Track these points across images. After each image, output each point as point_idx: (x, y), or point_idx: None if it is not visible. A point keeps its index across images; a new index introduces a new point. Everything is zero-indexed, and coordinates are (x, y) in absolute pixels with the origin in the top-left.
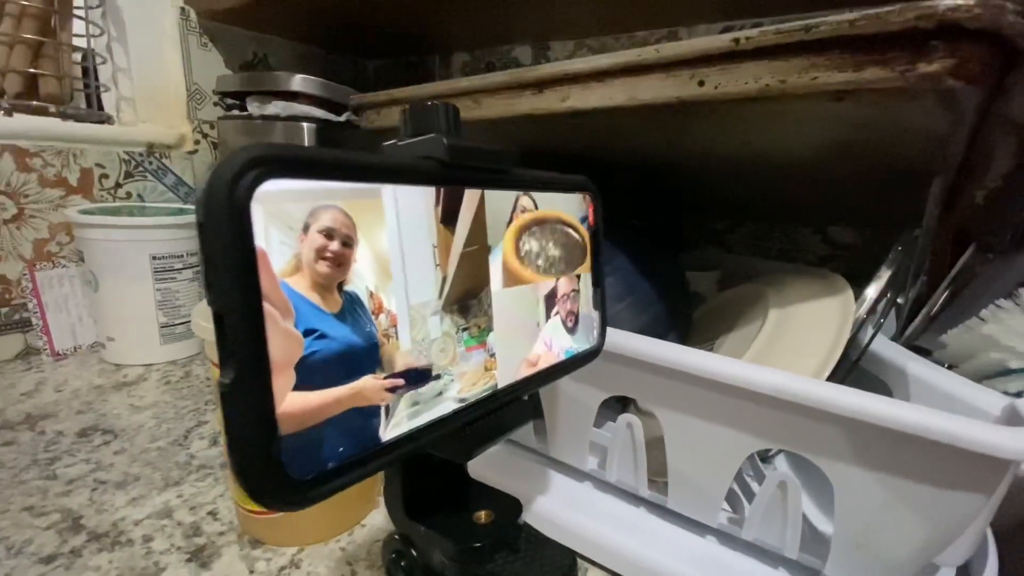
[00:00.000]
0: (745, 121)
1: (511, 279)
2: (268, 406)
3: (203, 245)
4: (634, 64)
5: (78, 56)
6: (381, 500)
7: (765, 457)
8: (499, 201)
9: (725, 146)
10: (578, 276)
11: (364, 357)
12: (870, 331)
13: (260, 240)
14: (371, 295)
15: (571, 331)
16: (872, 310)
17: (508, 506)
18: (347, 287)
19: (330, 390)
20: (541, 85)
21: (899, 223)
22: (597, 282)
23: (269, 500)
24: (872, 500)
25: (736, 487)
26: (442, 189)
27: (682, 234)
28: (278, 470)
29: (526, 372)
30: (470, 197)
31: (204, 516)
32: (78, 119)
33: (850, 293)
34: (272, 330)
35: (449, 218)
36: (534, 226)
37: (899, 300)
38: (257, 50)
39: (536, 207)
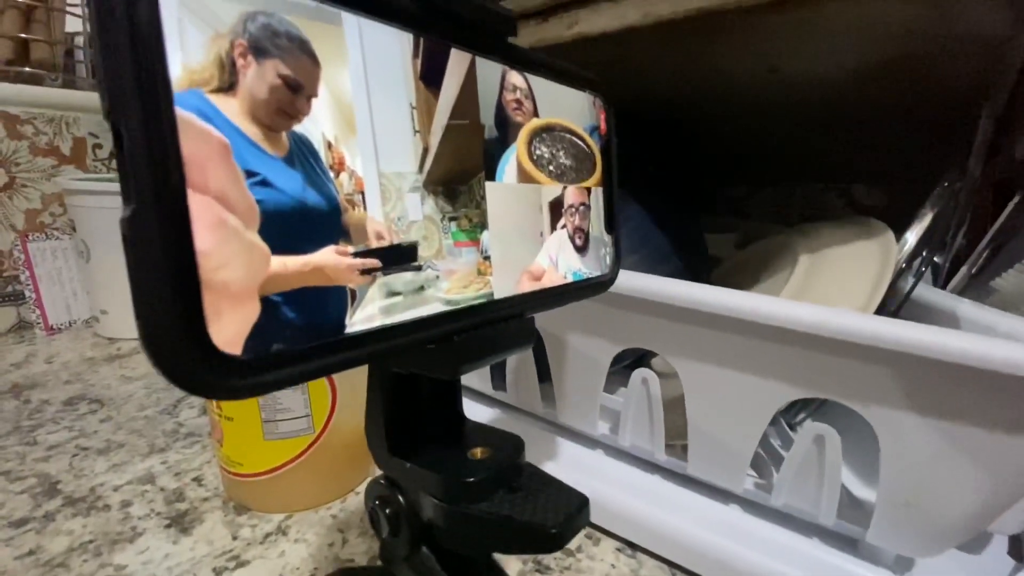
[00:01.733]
0: (772, 38)
1: (523, 178)
2: (186, 251)
3: (94, 32)
4: None
5: (78, 25)
6: (376, 470)
7: (792, 423)
8: (492, 74)
9: (748, 77)
10: (588, 190)
11: (322, 221)
12: (910, 280)
13: (170, 29)
14: (329, 146)
15: (580, 251)
16: (914, 256)
17: (508, 443)
18: (296, 128)
19: (278, 259)
20: (546, 12)
21: (933, 178)
22: (610, 201)
23: (185, 376)
24: (924, 450)
25: (762, 452)
26: (421, 39)
27: (697, 189)
28: (201, 338)
29: (528, 286)
30: (458, 59)
31: (188, 482)
32: (71, 86)
33: (891, 235)
34: (191, 146)
35: (431, 77)
36: (543, 132)
37: (936, 259)
38: None
39: (531, 91)
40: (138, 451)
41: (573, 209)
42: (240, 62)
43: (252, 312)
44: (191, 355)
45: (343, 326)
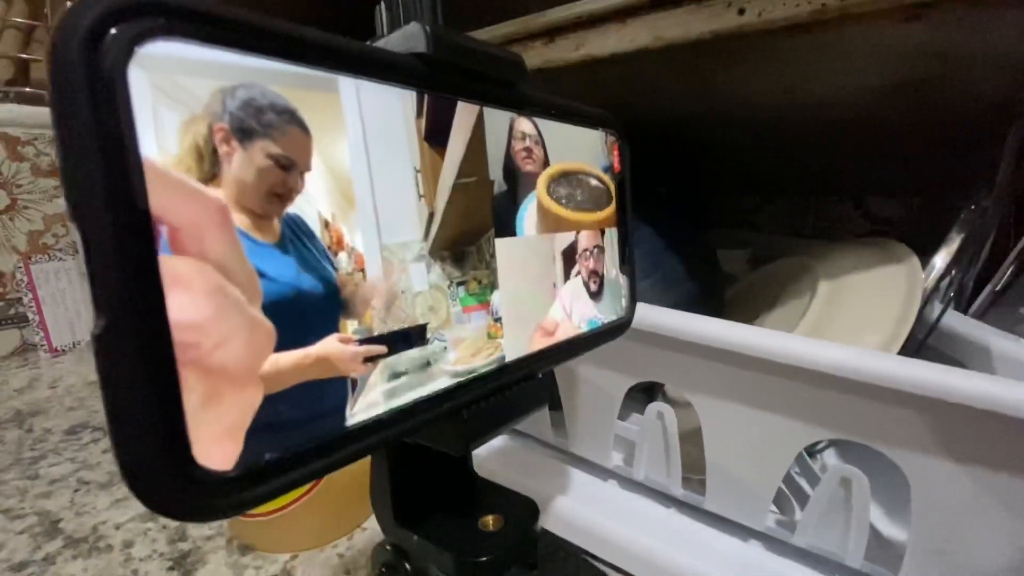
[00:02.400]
0: (789, 60)
1: (548, 222)
2: (167, 371)
3: (54, 124)
4: None
5: None
6: None
7: (812, 450)
8: (500, 124)
9: (762, 97)
10: (602, 231)
11: (320, 306)
12: (938, 306)
13: (143, 120)
14: (326, 225)
15: (595, 296)
16: (942, 280)
17: (521, 509)
18: (289, 210)
19: (272, 356)
20: (552, 32)
21: (955, 190)
22: (625, 240)
23: (167, 505)
24: (957, 497)
25: (783, 487)
26: (425, 96)
27: (708, 206)
28: (185, 462)
29: (541, 343)
30: (465, 112)
31: None
32: None
33: (916, 261)
34: (183, 209)
35: (436, 136)
36: (560, 177)
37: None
38: None
39: (540, 137)
40: None
41: (588, 253)
42: (223, 149)
43: (253, 401)
44: (175, 483)
45: (344, 418)
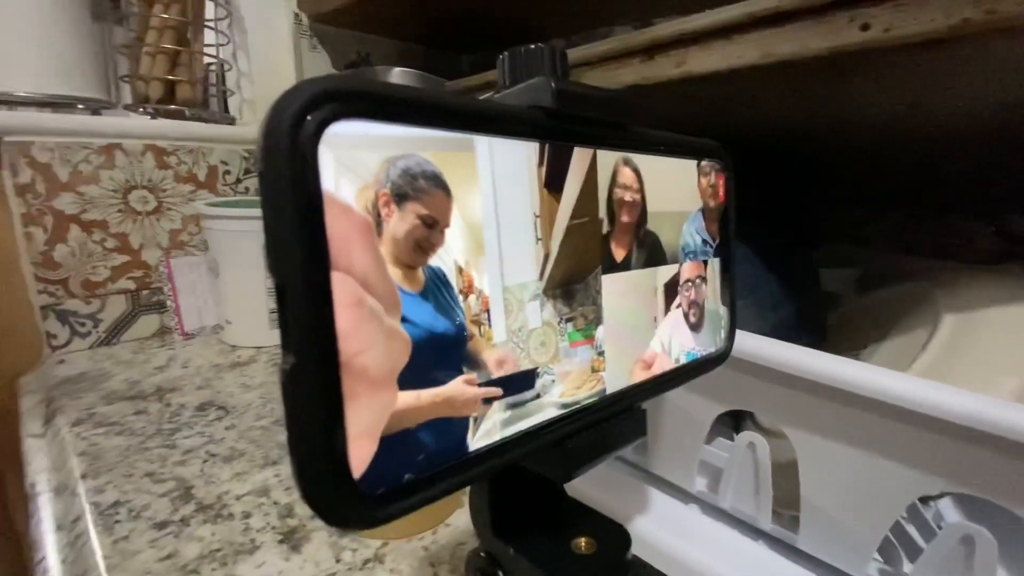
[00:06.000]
0: (919, 76)
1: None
2: (335, 401)
3: (263, 200)
4: (772, 11)
5: (208, 63)
6: (466, 499)
7: (926, 498)
8: (607, 164)
9: (882, 113)
10: (704, 263)
11: (450, 349)
12: None
13: (331, 191)
14: (460, 271)
15: (694, 328)
16: None
17: (614, 535)
18: (431, 261)
19: (411, 392)
20: (651, 50)
21: None
22: (727, 269)
23: (332, 515)
24: None
25: (889, 534)
26: (547, 145)
27: (810, 223)
28: (345, 481)
29: (640, 376)
30: (580, 157)
31: (298, 498)
32: (208, 121)
33: None
34: (348, 309)
35: (555, 182)
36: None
37: None
38: (360, 49)
39: (640, 179)
40: (256, 462)
41: (689, 284)
42: (384, 211)
43: (389, 405)
44: (339, 496)
45: (466, 446)
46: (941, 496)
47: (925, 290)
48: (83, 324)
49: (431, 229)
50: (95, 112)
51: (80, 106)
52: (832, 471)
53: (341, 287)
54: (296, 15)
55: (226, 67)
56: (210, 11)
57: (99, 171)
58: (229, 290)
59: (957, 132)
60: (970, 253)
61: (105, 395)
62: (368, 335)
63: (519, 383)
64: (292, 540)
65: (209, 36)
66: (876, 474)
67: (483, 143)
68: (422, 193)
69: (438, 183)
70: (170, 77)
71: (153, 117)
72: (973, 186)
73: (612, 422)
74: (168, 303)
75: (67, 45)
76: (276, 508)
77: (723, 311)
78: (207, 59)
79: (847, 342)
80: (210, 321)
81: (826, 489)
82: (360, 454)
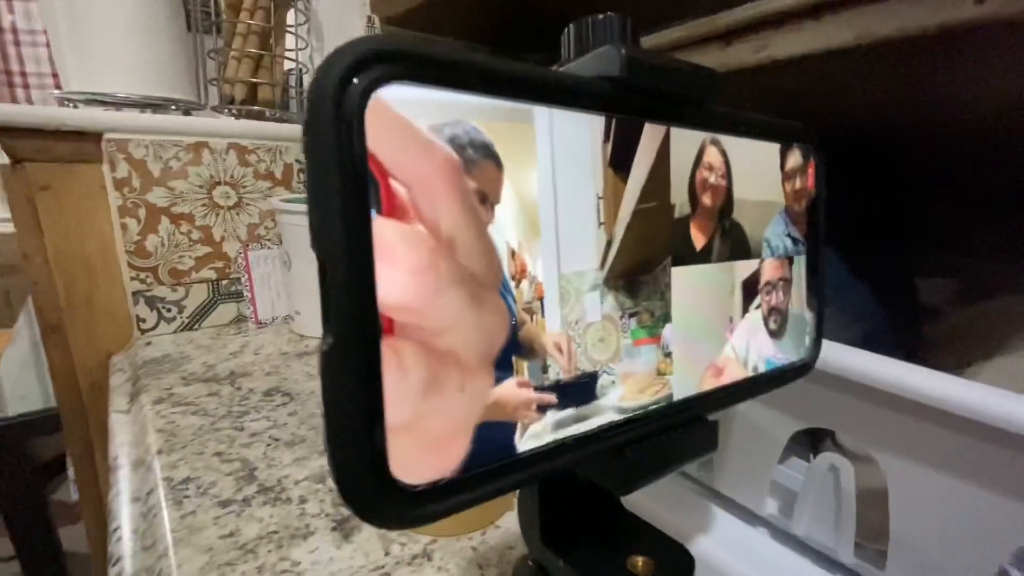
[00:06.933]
0: None
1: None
2: (376, 393)
3: (307, 171)
4: None
5: (288, 68)
6: (516, 502)
7: None
8: (686, 144)
9: (995, 102)
10: (790, 259)
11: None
12: None
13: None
14: (512, 254)
15: (775, 334)
16: None
17: (675, 556)
18: None
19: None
20: (731, 35)
21: None
22: (815, 270)
23: (367, 510)
24: None
25: None
26: (614, 120)
27: (907, 224)
28: (383, 474)
29: (712, 383)
30: (651, 134)
31: None
32: (285, 121)
33: None
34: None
35: (621, 161)
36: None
37: None
38: None
39: (727, 162)
40: (315, 448)
41: (770, 286)
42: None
43: (484, 395)
44: (374, 489)
45: (513, 447)
46: None
47: None
48: (169, 310)
49: (480, 205)
50: (186, 112)
51: (173, 107)
52: (929, 503)
53: (396, 232)
54: (369, 18)
55: (304, 70)
56: (291, 17)
57: (187, 167)
58: (299, 282)
59: None
60: None
61: (184, 377)
62: (440, 308)
63: (576, 393)
64: (344, 529)
65: (290, 41)
66: (987, 511)
67: (543, 114)
68: (471, 164)
69: (488, 153)
70: (253, 80)
71: (237, 117)
72: None
73: (679, 432)
74: (245, 293)
75: (163, 51)
76: (331, 496)
77: (809, 316)
78: (287, 63)
79: (948, 360)
80: (282, 311)
81: (921, 523)
82: (400, 449)
